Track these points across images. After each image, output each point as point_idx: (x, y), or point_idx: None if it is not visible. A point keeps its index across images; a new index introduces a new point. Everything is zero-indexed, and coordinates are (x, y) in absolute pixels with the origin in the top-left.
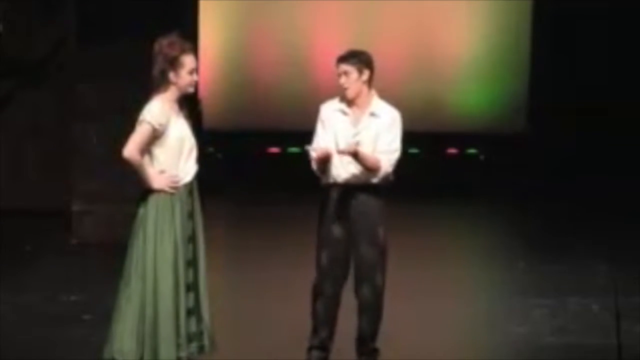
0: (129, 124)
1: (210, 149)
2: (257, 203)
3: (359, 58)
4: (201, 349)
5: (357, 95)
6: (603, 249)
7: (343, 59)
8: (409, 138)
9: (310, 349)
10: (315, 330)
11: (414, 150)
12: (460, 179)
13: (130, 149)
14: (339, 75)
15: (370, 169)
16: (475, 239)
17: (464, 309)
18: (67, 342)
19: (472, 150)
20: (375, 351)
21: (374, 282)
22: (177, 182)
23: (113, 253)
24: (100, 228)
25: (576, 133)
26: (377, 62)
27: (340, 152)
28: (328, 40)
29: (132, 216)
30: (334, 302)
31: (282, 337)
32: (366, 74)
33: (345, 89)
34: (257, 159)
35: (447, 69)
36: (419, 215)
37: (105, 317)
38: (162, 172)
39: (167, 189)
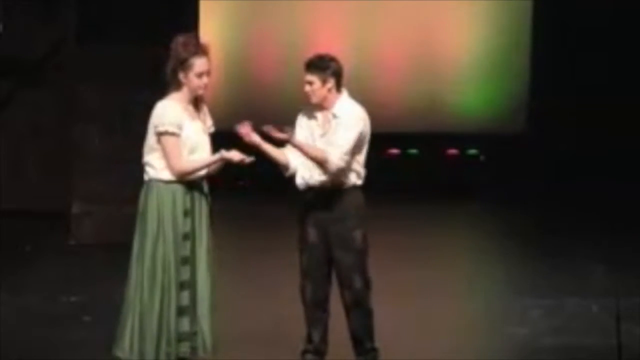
0: (129, 124)
1: None
2: (257, 203)
3: (323, 68)
4: (193, 350)
5: (321, 101)
6: (602, 249)
7: (308, 67)
8: (409, 138)
9: (304, 352)
10: (308, 335)
11: (413, 151)
12: (460, 179)
13: (175, 165)
14: (304, 82)
15: (316, 160)
16: (474, 240)
17: (463, 310)
18: (66, 343)
19: (472, 151)
20: (374, 350)
21: (352, 287)
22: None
23: (113, 254)
24: (100, 229)
25: (576, 133)
26: (378, 62)
27: (275, 136)
28: (328, 40)
29: (135, 213)
30: (319, 306)
31: (279, 338)
32: (330, 82)
33: (309, 96)
34: (258, 160)
35: (448, 69)
36: (418, 215)
37: (105, 317)
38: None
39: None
